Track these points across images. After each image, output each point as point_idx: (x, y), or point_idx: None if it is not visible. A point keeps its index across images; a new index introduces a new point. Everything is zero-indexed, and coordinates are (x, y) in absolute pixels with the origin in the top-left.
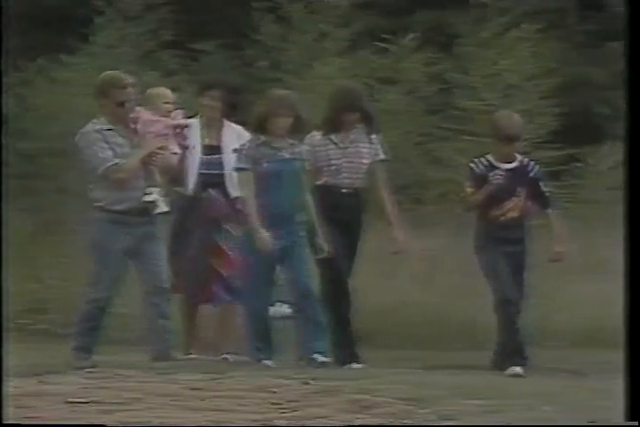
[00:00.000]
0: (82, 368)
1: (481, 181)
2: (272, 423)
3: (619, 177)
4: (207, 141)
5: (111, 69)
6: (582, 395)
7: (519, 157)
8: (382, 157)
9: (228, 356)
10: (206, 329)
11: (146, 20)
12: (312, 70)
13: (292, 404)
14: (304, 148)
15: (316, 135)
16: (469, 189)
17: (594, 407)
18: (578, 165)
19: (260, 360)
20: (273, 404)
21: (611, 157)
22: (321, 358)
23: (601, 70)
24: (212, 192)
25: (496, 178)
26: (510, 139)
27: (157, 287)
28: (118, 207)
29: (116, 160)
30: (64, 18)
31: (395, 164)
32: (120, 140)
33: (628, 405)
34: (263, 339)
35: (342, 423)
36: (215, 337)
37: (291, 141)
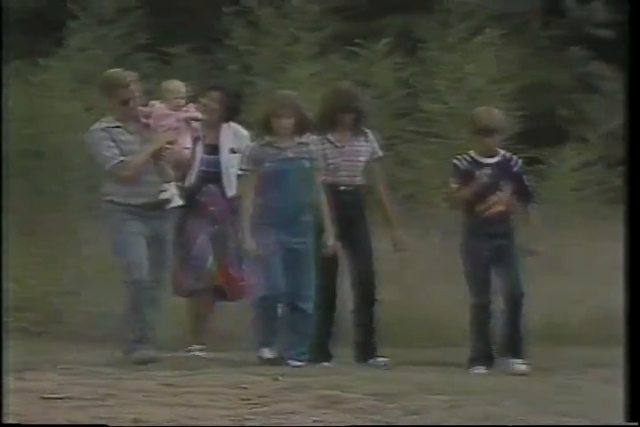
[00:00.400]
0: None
1: (466, 176)
2: (243, 419)
3: (581, 178)
4: (206, 141)
5: (85, 72)
6: (544, 390)
7: (501, 151)
8: (379, 154)
9: (198, 352)
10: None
11: (120, 23)
12: (284, 74)
13: (262, 399)
14: (312, 147)
15: (312, 136)
16: (454, 186)
17: (555, 402)
18: (541, 166)
19: (288, 359)
20: (243, 400)
21: (573, 158)
22: (295, 363)
23: (563, 74)
24: (212, 187)
25: (483, 174)
26: (490, 130)
27: (159, 282)
28: (132, 201)
29: (121, 158)
30: (39, 21)
31: None
32: (128, 137)
33: (627, 405)
34: (269, 336)
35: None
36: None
37: (298, 141)
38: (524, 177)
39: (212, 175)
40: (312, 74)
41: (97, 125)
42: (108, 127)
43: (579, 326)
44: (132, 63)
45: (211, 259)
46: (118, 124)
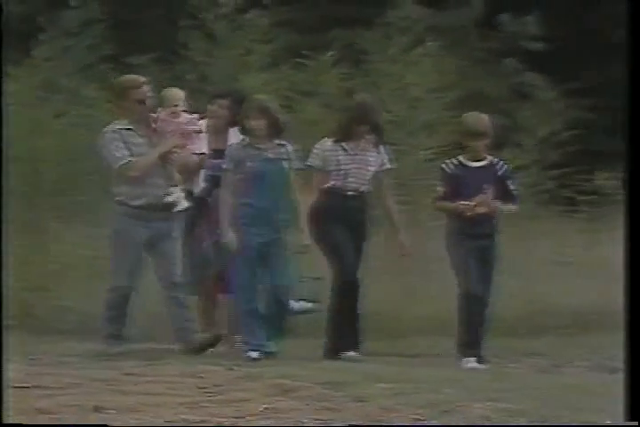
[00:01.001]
0: (116, 355)
1: (452, 180)
2: (199, 406)
3: (517, 181)
4: (214, 146)
5: (52, 81)
6: (482, 379)
7: (489, 156)
8: (389, 166)
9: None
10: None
11: (85, 35)
12: (237, 83)
13: (218, 388)
14: (290, 148)
15: (328, 141)
16: (440, 189)
17: (490, 390)
18: None
19: (245, 352)
20: (200, 388)
21: (509, 162)
22: (254, 354)
23: (498, 84)
24: (215, 193)
25: (475, 179)
26: (477, 135)
27: (172, 283)
28: (136, 202)
29: (130, 158)
30: (9, 33)
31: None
32: (139, 139)
33: (628, 405)
34: (250, 332)
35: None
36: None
37: (278, 142)
38: (509, 181)
39: (219, 179)
40: (264, 83)
41: (109, 127)
42: (119, 129)
43: (514, 318)
44: (97, 73)
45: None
46: (130, 126)
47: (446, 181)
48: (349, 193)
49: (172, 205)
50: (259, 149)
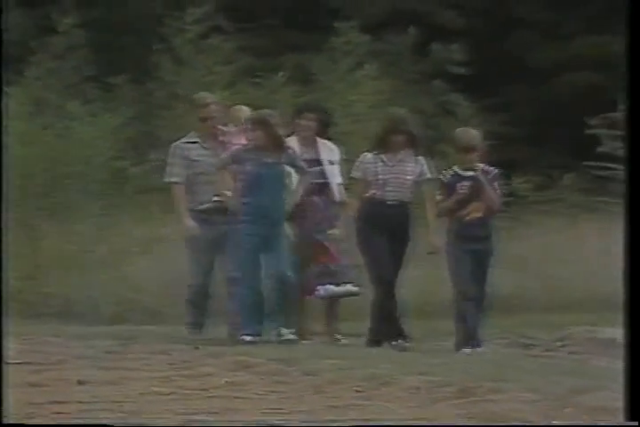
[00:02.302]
0: (196, 340)
1: (449, 188)
2: (169, 380)
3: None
4: (306, 156)
5: (41, 98)
6: (414, 355)
7: (481, 165)
8: (428, 176)
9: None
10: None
11: (70, 58)
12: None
13: (185, 364)
14: (291, 153)
15: (369, 154)
16: (439, 197)
17: (420, 364)
18: None
19: (240, 336)
20: (170, 364)
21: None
22: (286, 336)
23: (427, 102)
24: (315, 198)
25: (462, 188)
26: (469, 149)
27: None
28: (201, 207)
29: (173, 179)
30: (5, 56)
31: None
32: (202, 151)
33: (628, 405)
34: (247, 317)
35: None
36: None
37: (279, 147)
38: (495, 183)
39: (316, 185)
40: (224, 100)
41: (177, 142)
42: (184, 143)
43: (440, 302)
44: (80, 91)
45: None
46: (197, 139)
47: (443, 189)
48: (389, 202)
49: (222, 207)
50: (259, 154)
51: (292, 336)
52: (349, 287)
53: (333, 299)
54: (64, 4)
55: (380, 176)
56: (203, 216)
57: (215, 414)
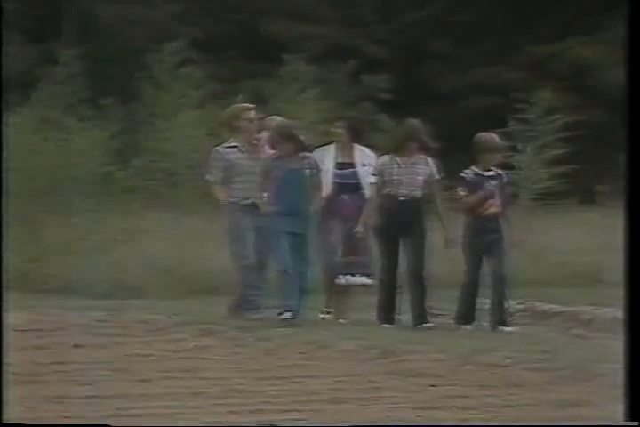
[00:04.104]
0: (252, 319)
1: (471, 186)
2: (148, 344)
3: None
4: (341, 160)
5: (43, 116)
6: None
7: (493, 168)
8: (437, 177)
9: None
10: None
11: (69, 83)
12: (176, 118)
13: (161, 331)
14: (312, 161)
15: (386, 157)
16: (462, 193)
17: (355, 332)
18: None
19: (281, 313)
20: (148, 331)
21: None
22: (286, 315)
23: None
24: (345, 197)
25: (489, 184)
26: (490, 150)
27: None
28: (244, 202)
29: (212, 179)
30: (14, 83)
31: None
32: (239, 155)
33: (628, 405)
34: (288, 296)
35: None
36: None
37: (302, 155)
38: (508, 188)
39: (347, 186)
40: (194, 118)
41: (217, 147)
42: (224, 147)
43: None
44: (77, 110)
45: (340, 248)
46: (235, 144)
47: (467, 186)
48: (401, 198)
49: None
50: (286, 161)
51: (289, 315)
52: (364, 280)
53: (349, 287)
54: (64, 40)
55: (395, 176)
56: (242, 209)
57: (187, 371)
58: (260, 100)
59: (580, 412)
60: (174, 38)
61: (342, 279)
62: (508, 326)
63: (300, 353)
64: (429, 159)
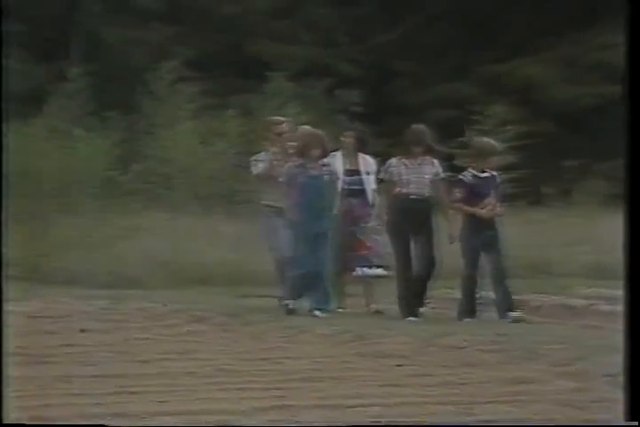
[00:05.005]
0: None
1: (468, 187)
2: (146, 329)
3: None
4: (348, 166)
5: (53, 127)
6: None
7: (488, 169)
8: (442, 175)
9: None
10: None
11: (76, 98)
12: (172, 128)
13: (158, 317)
14: (331, 168)
15: (394, 159)
16: (458, 194)
17: (331, 318)
18: None
19: (312, 310)
20: (146, 317)
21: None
22: (318, 314)
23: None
24: (353, 201)
25: (486, 185)
26: (487, 154)
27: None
28: (275, 204)
29: (255, 171)
30: (28, 98)
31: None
32: (274, 162)
33: (628, 405)
34: (292, 286)
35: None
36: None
37: (322, 163)
38: (500, 187)
39: (354, 191)
40: (188, 128)
41: (260, 152)
42: (264, 153)
43: None
44: (84, 122)
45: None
46: (272, 153)
47: (464, 187)
48: (412, 196)
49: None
50: (307, 168)
51: (323, 315)
52: (380, 271)
53: (367, 280)
54: (72, 59)
55: (404, 177)
56: (274, 211)
57: (180, 353)
58: (247, 113)
59: (528, 388)
60: (170, 57)
61: (359, 271)
62: (515, 313)
63: (281, 337)
64: (434, 160)
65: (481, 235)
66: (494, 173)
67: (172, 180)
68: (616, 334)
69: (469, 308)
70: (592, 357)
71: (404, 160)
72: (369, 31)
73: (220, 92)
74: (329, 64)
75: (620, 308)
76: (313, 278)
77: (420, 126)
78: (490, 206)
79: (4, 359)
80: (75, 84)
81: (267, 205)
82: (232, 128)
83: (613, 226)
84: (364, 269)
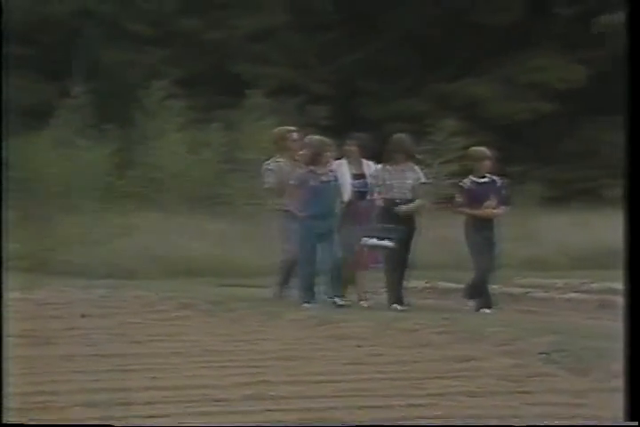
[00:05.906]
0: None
1: (467, 193)
2: (141, 314)
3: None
4: (354, 171)
5: (59, 137)
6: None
7: (488, 175)
8: (423, 180)
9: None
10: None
11: (79, 112)
12: (163, 139)
13: (150, 304)
14: (336, 173)
15: (379, 166)
16: (459, 200)
17: (302, 306)
18: None
19: (302, 302)
20: (140, 304)
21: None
22: (339, 302)
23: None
24: (359, 202)
25: (484, 190)
26: (484, 160)
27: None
28: (287, 208)
29: (269, 185)
30: (36, 112)
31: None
32: (285, 168)
33: (628, 405)
34: (307, 286)
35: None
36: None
37: (329, 169)
38: (503, 190)
39: (360, 193)
40: (177, 139)
41: (270, 160)
42: (274, 161)
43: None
44: (86, 133)
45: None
46: (282, 159)
47: (464, 193)
48: (397, 201)
49: None
50: (317, 174)
51: (343, 302)
52: (387, 242)
53: (361, 272)
54: (75, 78)
55: (387, 181)
56: (288, 215)
57: (169, 336)
58: (229, 126)
59: (472, 364)
60: (161, 77)
61: (368, 240)
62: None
63: (257, 322)
64: (415, 166)
65: (481, 233)
66: (495, 177)
67: (163, 184)
68: (550, 317)
69: (475, 294)
70: (528, 337)
71: (387, 166)
72: (336, 54)
73: (205, 107)
74: (301, 83)
75: (554, 295)
76: (326, 271)
77: (402, 135)
78: (489, 209)
79: (4, 358)
80: (77, 100)
81: (284, 211)
82: (216, 139)
83: (548, 224)
84: (374, 239)
